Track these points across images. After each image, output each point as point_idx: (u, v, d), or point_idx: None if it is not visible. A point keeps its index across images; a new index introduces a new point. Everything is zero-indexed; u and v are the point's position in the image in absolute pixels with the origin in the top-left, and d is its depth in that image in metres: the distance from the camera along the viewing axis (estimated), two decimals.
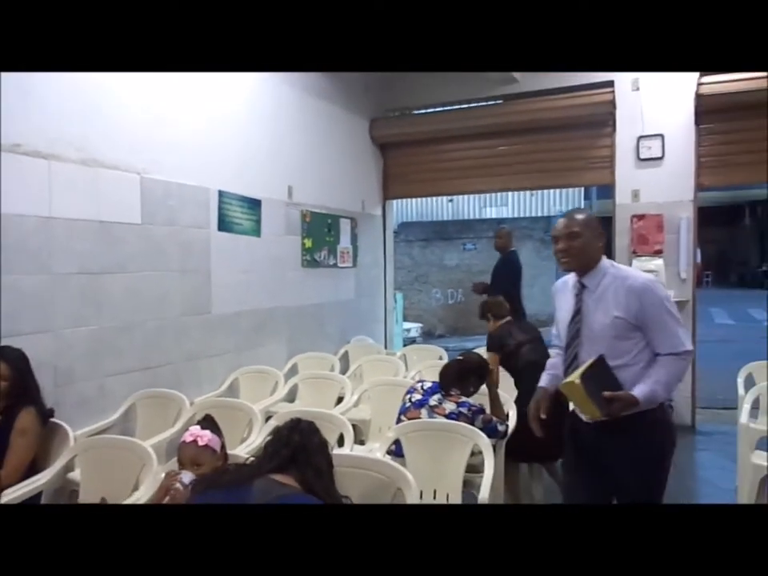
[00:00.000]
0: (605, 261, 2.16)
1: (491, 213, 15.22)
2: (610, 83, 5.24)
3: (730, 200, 22.59)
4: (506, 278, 5.64)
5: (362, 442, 3.58)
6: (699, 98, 4.91)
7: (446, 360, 4.90)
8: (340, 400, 3.91)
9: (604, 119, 5.35)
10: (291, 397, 4.30)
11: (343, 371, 4.66)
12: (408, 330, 10.01)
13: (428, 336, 11.35)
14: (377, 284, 6.49)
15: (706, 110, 4.95)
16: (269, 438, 1.88)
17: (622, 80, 5.22)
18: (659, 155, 5.10)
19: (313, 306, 5.27)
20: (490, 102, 5.97)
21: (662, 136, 5.10)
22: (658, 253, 5.09)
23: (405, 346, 7.46)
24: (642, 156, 5.16)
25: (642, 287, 2.05)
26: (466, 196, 14.15)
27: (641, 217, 5.15)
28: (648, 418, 2.02)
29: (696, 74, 4.91)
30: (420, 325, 11.36)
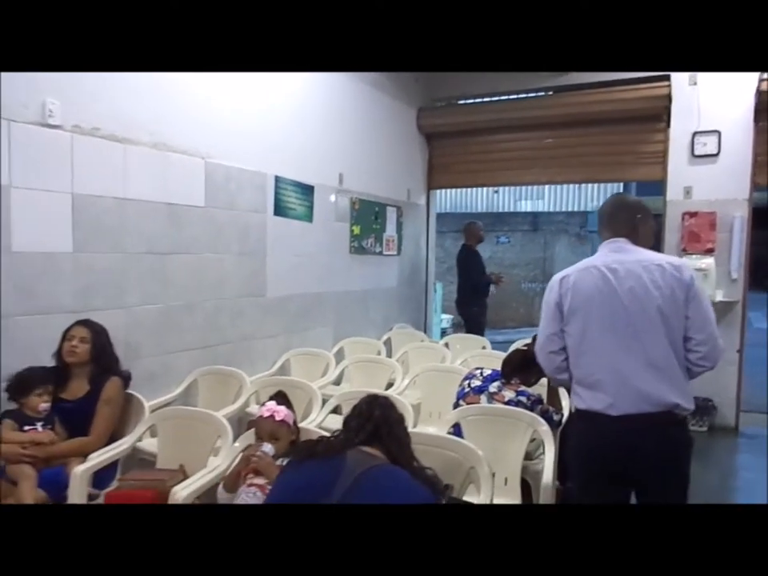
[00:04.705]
0: None
1: (526, 206, 15.06)
2: (667, 77, 5.13)
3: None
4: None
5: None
6: (760, 94, 4.77)
7: (489, 350, 4.95)
8: (389, 385, 3.98)
9: (658, 113, 5.25)
10: (338, 380, 4.39)
11: (387, 357, 4.73)
12: (441, 321, 9.99)
13: (458, 328, 11.31)
14: (418, 273, 6.54)
15: (767, 107, 4.83)
16: (349, 413, 1.94)
17: (679, 74, 5.10)
18: (715, 152, 4.99)
19: (358, 292, 5.35)
20: (540, 94, 5.92)
21: (718, 132, 4.98)
22: (709, 251, 5.00)
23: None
24: (696, 152, 5.05)
25: None
26: (500, 188, 14.03)
27: (693, 214, 5.07)
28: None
29: None
30: (451, 316, 11.31)
